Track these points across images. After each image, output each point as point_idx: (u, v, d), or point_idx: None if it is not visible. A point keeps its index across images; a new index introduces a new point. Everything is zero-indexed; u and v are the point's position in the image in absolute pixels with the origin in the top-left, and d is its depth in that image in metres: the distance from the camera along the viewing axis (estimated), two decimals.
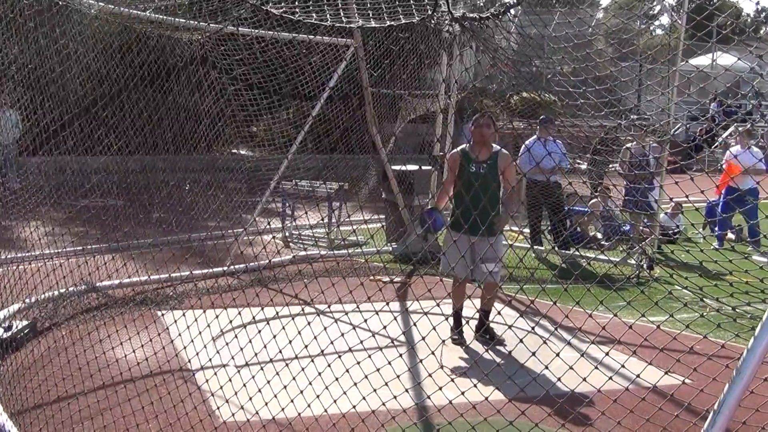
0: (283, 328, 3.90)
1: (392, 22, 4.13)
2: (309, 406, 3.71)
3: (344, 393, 3.61)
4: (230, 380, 3.95)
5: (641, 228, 10.06)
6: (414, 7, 4.18)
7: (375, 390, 3.49)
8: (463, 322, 6.03)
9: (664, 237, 10.65)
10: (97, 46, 6.58)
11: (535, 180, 9.68)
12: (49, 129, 5.62)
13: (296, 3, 4.44)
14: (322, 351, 3.73)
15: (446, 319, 3.41)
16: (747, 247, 10.08)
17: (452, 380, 3.47)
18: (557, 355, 3.41)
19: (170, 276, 7.09)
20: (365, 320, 3.69)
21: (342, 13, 4.28)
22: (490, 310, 6.07)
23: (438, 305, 3.44)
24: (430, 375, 3.46)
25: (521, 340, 3.38)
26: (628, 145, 9.59)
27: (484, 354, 3.57)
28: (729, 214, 10.85)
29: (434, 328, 3.54)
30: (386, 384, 3.47)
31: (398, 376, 3.47)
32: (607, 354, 3.51)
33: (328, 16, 4.26)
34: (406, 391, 3.43)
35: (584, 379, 3.17)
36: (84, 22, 6.45)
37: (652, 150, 9.37)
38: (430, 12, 4.01)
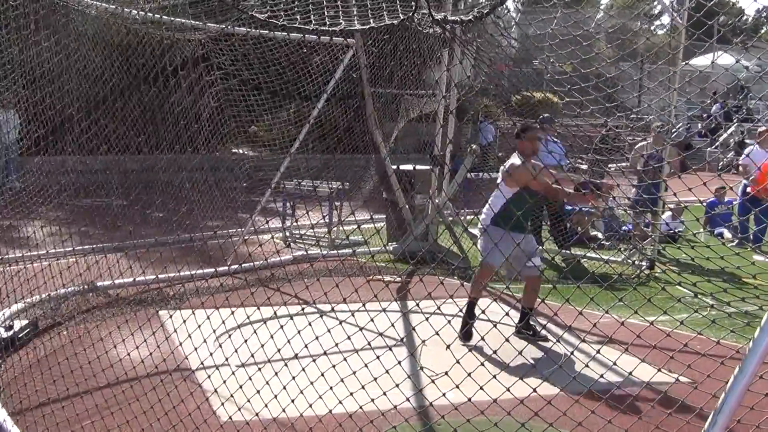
0: (280, 327, 3.90)
1: (374, 24, 4.13)
2: (292, 404, 3.71)
3: (328, 391, 3.61)
4: (231, 379, 3.95)
5: (642, 227, 10.07)
6: (399, 8, 4.18)
7: (351, 393, 3.49)
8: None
9: (665, 236, 10.66)
10: (98, 46, 6.59)
11: None
12: (48, 129, 5.62)
13: (280, 6, 4.44)
14: (303, 350, 3.73)
15: (426, 319, 3.42)
16: (747, 247, 10.08)
17: (433, 381, 3.46)
18: (545, 353, 3.40)
19: (171, 276, 7.08)
20: (344, 316, 3.69)
21: (326, 14, 4.28)
22: (533, 306, 6.18)
23: (418, 305, 3.43)
24: (408, 377, 3.45)
25: (507, 339, 3.37)
26: (642, 144, 9.61)
27: (467, 353, 3.57)
28: (746, 216, 10.84)
29: (414, 329, 3.53)
30: (362, 387, 3.47)
31: (375, 379, 3.46)
32: (597, 352, 3.50)
33: (312, 18, 4.26)
34: (384, 394, 3.42)
35: (574, 378, 3.16)
36: (85, 23, 6.45)
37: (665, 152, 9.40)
38: (410, 14, 4.00)
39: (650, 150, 9.65)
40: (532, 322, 6.21)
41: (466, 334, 5.96)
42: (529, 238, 6.13)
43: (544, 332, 6.12)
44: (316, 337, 3.71)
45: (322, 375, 3.64)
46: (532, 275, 6.08)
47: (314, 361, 3.75)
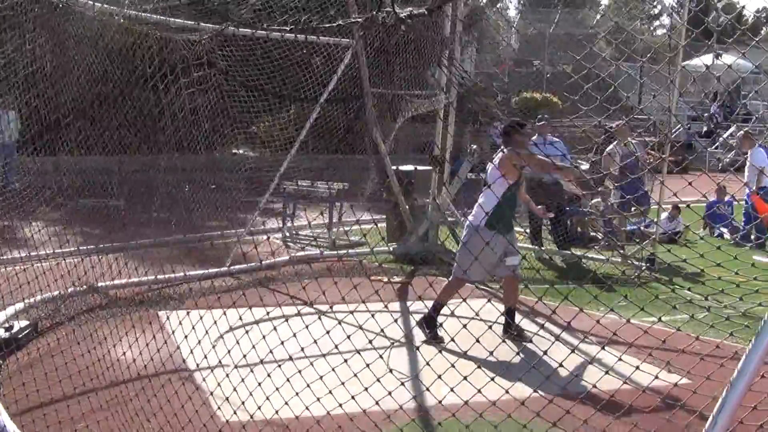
0: (273, 327, 3.90)
1: (341, 22, 4.16)
2: (294, 405, 3.70)
3: (333, 391, 3.60)
4: (233, 380, 3.94)
5: (625, 228, 10.11)
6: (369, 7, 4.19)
7: (366, 389, 3.48)
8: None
9: (664, 236, 10.67)
10: (98, 46, 6.59)
11: (538, 179, 9.67)
12: (47, 129, 5.63)
13: (261, 10, 4.48)
14: (305, 350, 3.72)
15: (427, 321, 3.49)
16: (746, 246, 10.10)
17: (402, 384, 3.45)
18: (545, 352, 3.38)
19: (171, 276, 7.08)
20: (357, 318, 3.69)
21: (301, 14, 4.29)
22: (515, 307, 6.15)
23: (384, 306, 3.41)
24: (416, 376, 3.45)
25: (504, 340, 3.37)
26: (609, 148, 9.62)
27: (466, 354, 3.56)
28: (751, 224, 10.87)
29: (424, 331, 3.52)
30: (377, 384, 3.46)
31: (382, 377, 3.44)
32: (593, 359, 3.50)
33: (288, 18, 4.28)
34: (389, 394, 3.42)
35: (571, 380, 3.15)
36: (84, 23, 6.44)
37: (637, 147, 9.42)
38: (374, 11, 4.00)
39: (620, 148, 9.65)
40: (513, 321, 6.16)
41: (435, 336, 5.94)
42: (512, 236, 6.08)
43: (526, 332, 6.06)
44: (342, 341, 3.69)
45: (341, 372, 3.62)
46: (509, 278, 6.04)
47: (347, 360, 3.73)
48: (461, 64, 4.82)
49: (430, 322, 6.02)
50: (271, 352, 3.81)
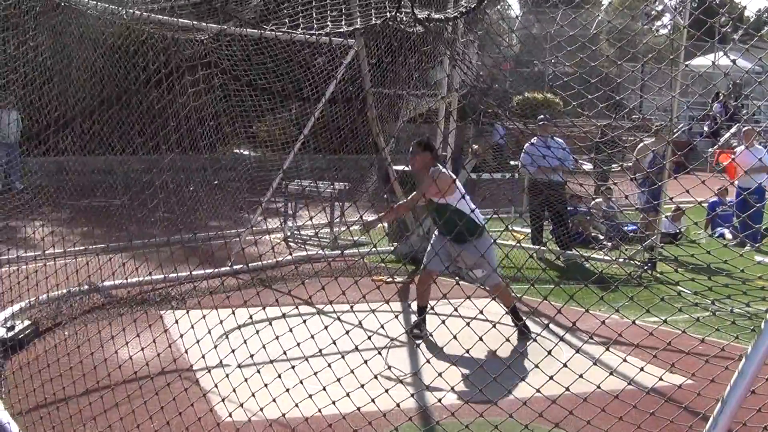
0: (290, 329, 3.90)
1: (358, 26, 4.14)
2: (300, 405, 3.70)
3: (336, 391, 3.60)
4: (235, 380, 3.94)
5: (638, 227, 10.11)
6: (388, 7, 4.17)
7: (386, 390, 3.47)
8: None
9: (666, 236, 10.66)
10: (100, 46, 6.58)
11: (538, 180, 9.66)
12: (50, 129, 5.63)
13: (269, 12, 4.45)
14: (314, 351, 3.72)
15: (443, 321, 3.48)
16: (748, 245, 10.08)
17: (400, 381, 3.45)
18: (549, 352, 3.37)
19: (172, 276, 7.07)
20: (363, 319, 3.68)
21: (314, 15, 4.26)
22: (510, 307, 6.16)
23: (433, 308, 3.42)
24: (414, 374, 3.44)
25: (507, 339, 3.37)
26: (642, 145, 9.61)
27: (464, 354, 3.53)
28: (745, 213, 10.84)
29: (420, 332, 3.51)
30: (377, 384, 3.45)
31: (381, 377, 3.43)
32: (596, 360, 3.49)
33: (300, 20, 4.26)
34: (412, 396, 3.41)
35: (569, 386, 3.13)
36: (86, 23, 6.44)
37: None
38: (393, 12, 3.99)
39: (653, 149, 9.67)
40: (518, 317, 6.23)
41: (416, 330, 6.08)
42: (465, 247, 5.90)
43: (532, 334, 6.06)
44: (335, 340, 3.69)
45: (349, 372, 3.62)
46: (490, 287, 6.03)
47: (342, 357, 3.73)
48: (472, 62, 4.80)
49: (419, 324, 6.11)
50: (285, 352, 3.82)
